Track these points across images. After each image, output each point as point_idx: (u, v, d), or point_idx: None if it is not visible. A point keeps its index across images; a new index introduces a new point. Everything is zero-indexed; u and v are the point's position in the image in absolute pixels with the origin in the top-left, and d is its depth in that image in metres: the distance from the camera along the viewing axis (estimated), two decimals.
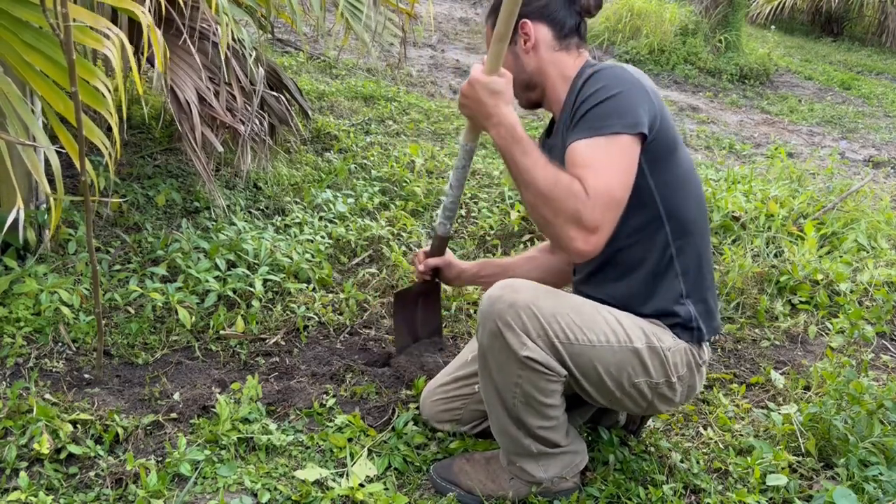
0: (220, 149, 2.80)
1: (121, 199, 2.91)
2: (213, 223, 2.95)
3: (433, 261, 2.13)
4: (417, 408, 2.07)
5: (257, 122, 2.99)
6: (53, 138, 2.14)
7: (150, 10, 1.98)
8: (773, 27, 10.54)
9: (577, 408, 1.93)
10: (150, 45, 2.01)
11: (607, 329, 1.64)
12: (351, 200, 3.37)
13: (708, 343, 1.80)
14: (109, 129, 2.26)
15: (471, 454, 1.88)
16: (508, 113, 1.60)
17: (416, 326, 2.31)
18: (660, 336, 1.69)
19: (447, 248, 2.13)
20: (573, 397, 1.77)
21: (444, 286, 2.32)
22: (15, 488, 1.69)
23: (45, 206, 2.63)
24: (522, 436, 1.71)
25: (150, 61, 2.65)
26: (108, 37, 1.87)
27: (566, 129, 1.66)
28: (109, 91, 1.94)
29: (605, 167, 1.52)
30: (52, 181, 2.08)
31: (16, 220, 1.99)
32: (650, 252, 1.70)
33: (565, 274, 2.02)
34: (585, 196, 1.49)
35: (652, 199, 1.67)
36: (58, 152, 2.04)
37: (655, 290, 1.72)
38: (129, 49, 1.91)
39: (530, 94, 1.82)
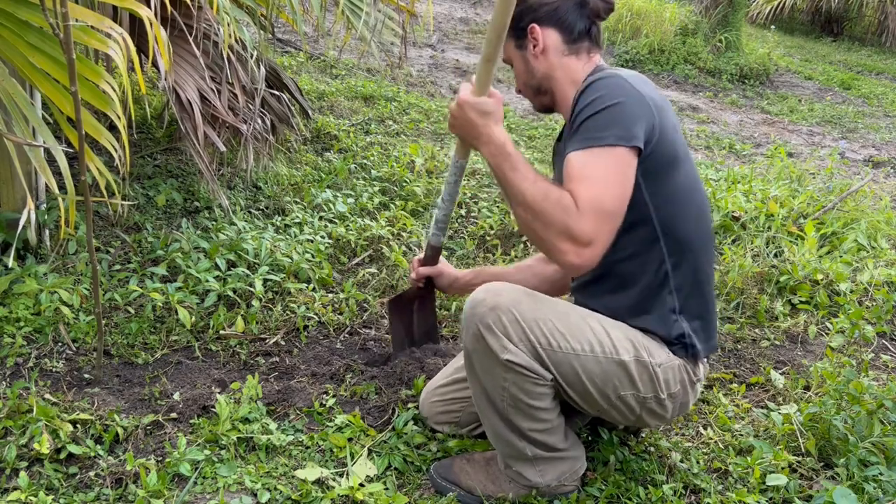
0: (223, 148, 2.81)
1: (129, 203, 2.90)
2: (213, 223, 2.95)
3: (425, 270, 2.14)
4: (417, 407, 2.07)
5: (259, 121, 2.99)
6: (59, 139, 2.14)
7: (153, 10, 1.98)
8: (773, 27, 10.54)
9: (577, 413, 1.92)
10: (151, 45, 2.01)
11: (593, 339, 1.62)
12: (351, 200, 3.37)
13: (705, 360, 1.77)
14: (112, 128, 2.26)
15: (471, 454, 1.88)
16: (498, 132, 1.62)
17: (413, 330, 2.31)
18: (652, 351, 1.67)
19: (441, 257, 2.14)
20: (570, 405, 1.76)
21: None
22: (15, 488, 1.68)
23: (45, 205, 2.63)
24: (516, 439, 1.70)
25: (153, 61, 2.65)
26: (110, 36, 1.87)
27: (567, 137, 1.66)
28: (116, 92, 1.94)
29: (596, 179, 1.51)
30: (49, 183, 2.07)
31: (18, 221, 2.00)
32: (646, 267, 1.68)
33: (561, 284, 2.02)
34: (576, 209, 1.49)
35: (647, 214, 1.64)
36: (64, 153, 2.04)
37: (649, 305, 1.70)
38: (132, 49, 1.92)
39: (542, 98, 1.81)
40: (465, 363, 1.69)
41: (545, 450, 1.72)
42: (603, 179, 1.52)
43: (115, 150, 2.04)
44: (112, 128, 2.24)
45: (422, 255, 2.15)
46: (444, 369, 2.07)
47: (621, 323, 1.69)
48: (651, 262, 1.68)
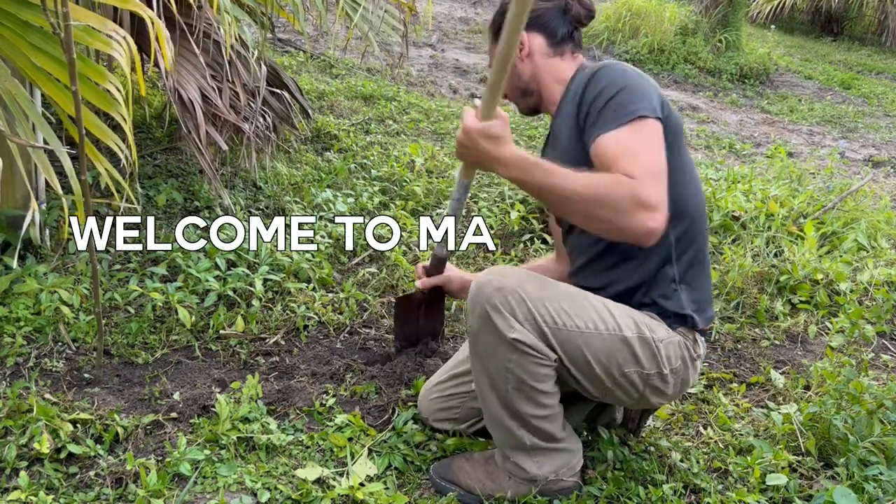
0: (225, 146, 2.81)
1: (131, 206, 2.90)
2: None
3: (432, 280, 2.13)
4: (417, 406, 2.07)
5: (261, 120, 3.00)
6: (62, 139, 2.14)
7: (154, 10, 1.98)
8: (773, 27, 10.54)
9: (573, 405, 1.93)
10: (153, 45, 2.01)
11: (596, 317, 1.64)
12: (351, 200, 3.37)
13: (704, 337, 1.80)
14: (114, 128, 2.26)
15: (470, 453, 1.89)
16: (512, 151, 1.58)
17: (418, 330, 2.31)
18: (652, 328, 1.70)
19: (448, 263, 2.13)
20: (568, 394, 1.77)
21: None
22: (15, 488, 1.69)
23: (45, 205, 2.62)
24: (516, 426, 1.71)
25: (154, 61, 2.65)
26: (111, 37, 1.87)
27: (570, 131, 1.71)
28: (121, 93, 1.94)
29: (640, 149, 1.53)
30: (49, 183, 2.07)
31: (19, 220, 2.00)
32: None
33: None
34: (636, 179, 1.48)
35: None
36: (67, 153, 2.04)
37: (650, 277, 1.73)
38: (135, 50, 1.92)
39: (528, 99, 1.88)
40: (470, 346, 1.71)
41: (543, 439, 1.73)
42: (644, 148, 1.54)
43: (122, 151, 2.04)
44: (115, 128, 2.24)
45: (427, 261, 2.16)
46: (443, 367, 2.07)
47: (620, 303, 1.71)
48: None
